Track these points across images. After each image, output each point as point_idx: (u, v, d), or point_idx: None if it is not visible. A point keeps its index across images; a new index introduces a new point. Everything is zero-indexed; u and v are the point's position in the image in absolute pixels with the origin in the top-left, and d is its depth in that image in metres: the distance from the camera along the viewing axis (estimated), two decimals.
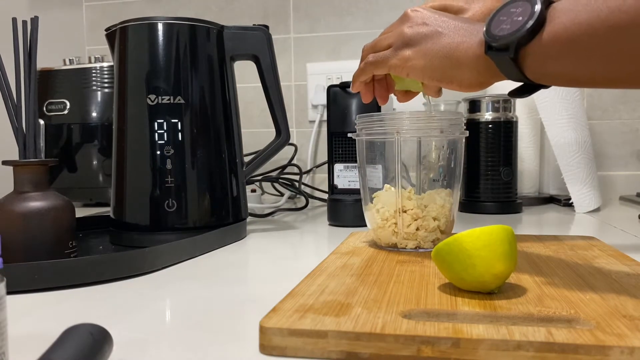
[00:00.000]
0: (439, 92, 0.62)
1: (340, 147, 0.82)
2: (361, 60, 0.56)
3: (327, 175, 0.85)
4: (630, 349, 0.28)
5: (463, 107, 1.00)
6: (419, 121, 0.57)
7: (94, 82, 1.10)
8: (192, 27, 0.69)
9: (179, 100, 0.67)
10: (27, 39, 0.56)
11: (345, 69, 1.23)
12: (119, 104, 0.69)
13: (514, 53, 0.41)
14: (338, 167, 0.83)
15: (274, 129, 0.77)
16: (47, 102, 1.10)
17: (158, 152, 0.66)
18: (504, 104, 0.94)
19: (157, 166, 0.66)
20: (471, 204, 0.96)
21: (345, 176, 0.82)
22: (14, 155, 0.56)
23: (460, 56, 0.46)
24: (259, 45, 0.75)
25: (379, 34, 0.55)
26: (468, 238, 0.38)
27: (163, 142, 0.67)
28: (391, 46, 0.50)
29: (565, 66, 0.40)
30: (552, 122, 0.94)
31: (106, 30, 0.71)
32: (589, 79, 0.41)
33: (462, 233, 0.39)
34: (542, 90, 0.99)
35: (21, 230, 0.53)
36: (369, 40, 0.57)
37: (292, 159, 1.19)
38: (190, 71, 0.69)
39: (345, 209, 0.80)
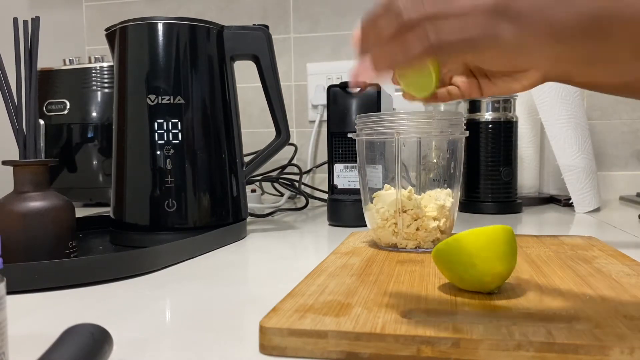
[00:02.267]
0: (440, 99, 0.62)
1: (340, 147, 0.82)
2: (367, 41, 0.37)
3: (327, 175, 0.85)
4: (630, 349, 0.28)
5: (463, 107, 1.00)
6: (419, 121, 0.57)
7: (94, 82, 1.10)
8: (192, 27, 0.69)
9: (179, 100, 0.67)
10: (28, 39, 0.56)
11: (345, 69, 1.23)
12: (119, 104, 0.69)
13: None
14: (338, 167, 0.83)
15: (274, 129, 0.77)
16: (47, 102, 1.10)
17: (158, 152, 0.66)
18: (504, 104, 0.94)
19: (157, 166, 0.66)
20: (471, 204, 0.96)
21: (345, 176, 0.82)
22: (14, 155, 0.56)
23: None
24: (259, 45, 0.75)
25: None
26: (468, 238, 0.38)
27: (163, 142, 0.67)
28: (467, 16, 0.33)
29: None
30: (552, 122, 0.94)
31: (106, 30, 0.71)
32: None
33: (462, 233, 0.39)
34: (542, 91, 0.99)
35: (21, 230, 0.53)
36: None
37: (292, 159, 1.19)
38: (190, 71, 0.69)
39: (345, 209, 0.80)
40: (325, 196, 0.93)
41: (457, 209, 0.59)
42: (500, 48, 0.30)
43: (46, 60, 0.97)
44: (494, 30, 0.30)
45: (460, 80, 0.62)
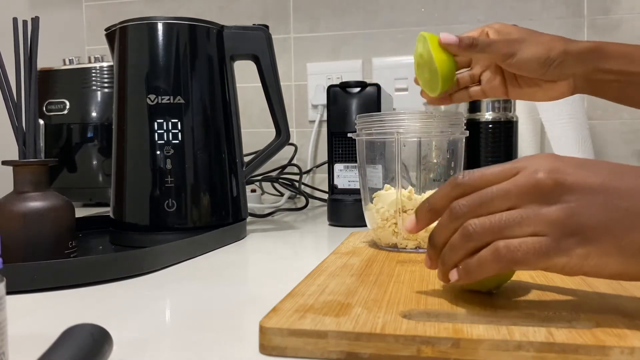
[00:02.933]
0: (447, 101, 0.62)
1: (340, 147, 0.82)
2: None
3: (327, 175, 0.85)
4: (630, 349, 0.28)
5: (463, 107, 1.00)
6: (419, 121, 0.57)
7: (93, 82, 1.10)
8: (192, 27, 0.69)
9: (179, 100, 0.67)
10: (28, 39, 0.56)
11: (345, 68, 1.23)
12: (119, 104, 0.69)
13: None
14: (338, 167, 0.82)
15: (274, 129, 0.77)
16: (47, 102, 1.10)
17: (158, 152, 0.66)
18: (504, 104, 0.94)
19: (157, 166, 0.66)
20: None
21: (345, 176, 0.82)
22: (14, 155, 0.56)
23: None
24: (259, 45, 0.75)
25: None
26: None
27: (163, 142, 0.67)
28: (536, 233, 0.32)
29: None
30: (552, 122, 0.94)
31: (106, 30, 0.71)
32: None
33: None
34: None
35: (21, 230, 0.53)
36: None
37: (292, 159, 1.19)
38: (190, 71, 0.69)
39: (345, 209, 0.80)
40: (325, 196, 0.93)
41: None
42: (572, 259, 0.32)
43: (46, 60, 0.97)
44: (567, 247, 0.31)
45: (486, 78, 0.62)
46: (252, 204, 0.92)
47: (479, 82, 0.63)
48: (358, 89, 0.81)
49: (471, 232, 0.34)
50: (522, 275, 0.44)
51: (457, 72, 0.60)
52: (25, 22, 0.56)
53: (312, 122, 1.27)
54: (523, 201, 0.33)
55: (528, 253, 0.32)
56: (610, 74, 0.56)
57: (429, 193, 0.58)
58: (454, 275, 0.35)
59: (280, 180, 1.12)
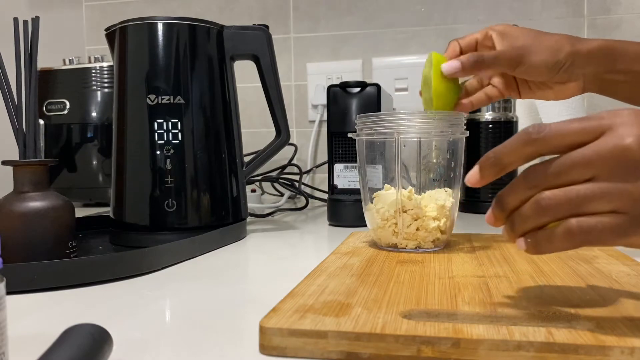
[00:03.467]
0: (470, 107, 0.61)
1: (340, 147, 0.82)
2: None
3: (327, 175, 0.85)
4: (630, 349, 0.28)
5: None
6: (419, 121, 0.57)
7: (93, 82, 1.10)
8: (192, 27, 0.69)
9: (179, 100, 0.67)
10: (28, 39, 0.56)
11: (345, 69, 1.23)
12: (119, 104, 0.69)
13: None
14: (338, 167, 0.82)
15: (274, 129, 0.77)
16: (47, 102, 1.10)
17: (158, 152, 0.66)
18: (504, 104, 0.94)
19: (157, 166, 0.66)
20: (471, 204, 0.96)
21: (345, 176, 0.82)
22: (14, 155, 0.56)
23: None
24: (259, 45, 0.75)
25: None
26: None
27: (163, 142, 0.67)
28: (616, 210, 0.30)
29: None
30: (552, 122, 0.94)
31: (106, 30, 0.71)
32: None
33: None
34: None
35: (21, 230, 0.53)
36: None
37: (292, 159, 1.19)
38: (190, 71, 0.69)
39: (345, 209, 0.80)
40: (325, 196, 0.93)
41: (457, 209, 0.59)
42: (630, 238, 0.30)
43: (46, 60, 0.97)
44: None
45: (498, 80, 0.62)
46: (252, 204, 0.92)
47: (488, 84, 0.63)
48: (358, 89, 0.81)
49: (544, 207, 0.31)
50: (522, 275, 0.44)
51: (464, 79, 0.61)
52: (25, 22, 0.56)
53: (312, 122, 1.27)
54: (606, 173, 0.30)
55: (604, 233, 0.30)
56: (621, 74, 0.55)
57: (429, 193, 0.58)
58: (520, 244, 0.33)
59: (280, 180, 1.12)
